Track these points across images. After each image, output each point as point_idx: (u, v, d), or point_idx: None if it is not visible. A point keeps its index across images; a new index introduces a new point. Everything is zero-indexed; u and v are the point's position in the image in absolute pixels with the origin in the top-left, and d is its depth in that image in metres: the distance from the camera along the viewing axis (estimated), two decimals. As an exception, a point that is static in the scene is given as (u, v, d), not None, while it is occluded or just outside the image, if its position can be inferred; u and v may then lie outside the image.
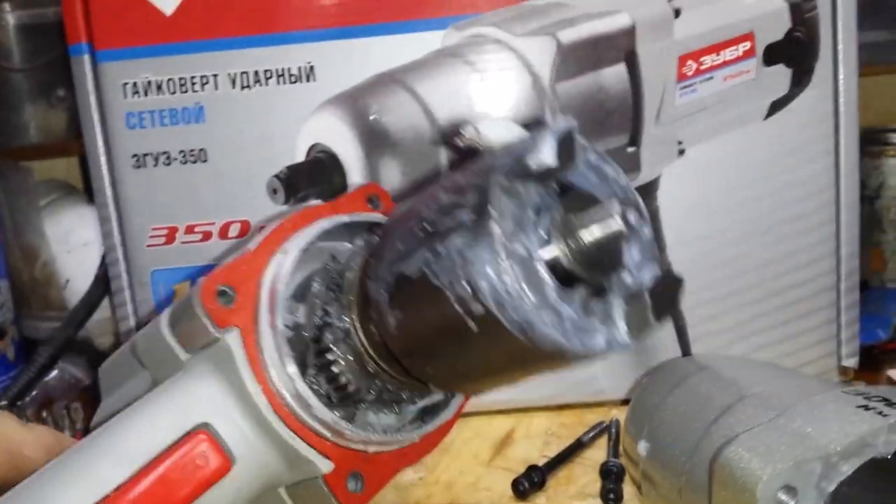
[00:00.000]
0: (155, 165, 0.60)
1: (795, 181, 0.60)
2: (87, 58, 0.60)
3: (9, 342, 0.72)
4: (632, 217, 0.28)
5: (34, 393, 0.69)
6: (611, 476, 0.51)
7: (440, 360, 0.30)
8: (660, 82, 0.58)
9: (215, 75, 0.59)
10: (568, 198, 0.28)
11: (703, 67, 0.58)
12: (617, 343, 0.27)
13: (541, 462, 0.54)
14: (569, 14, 0.58)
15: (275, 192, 0.57)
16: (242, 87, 0.59)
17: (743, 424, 0.35)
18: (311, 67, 0.59)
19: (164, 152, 0.60)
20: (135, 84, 0.59)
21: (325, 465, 0.32)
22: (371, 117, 0.57)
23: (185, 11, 0.58)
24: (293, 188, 0.57)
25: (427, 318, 0.29)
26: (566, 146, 0.27)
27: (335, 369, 0.32)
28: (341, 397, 0.33)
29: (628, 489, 0.50)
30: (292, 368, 0.31)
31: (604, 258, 0.27)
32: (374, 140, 0.58)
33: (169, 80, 0.59)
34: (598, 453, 0.56)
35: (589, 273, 0.27)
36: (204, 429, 0.31)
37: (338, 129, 0.58)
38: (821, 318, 0.62)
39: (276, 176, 0.58)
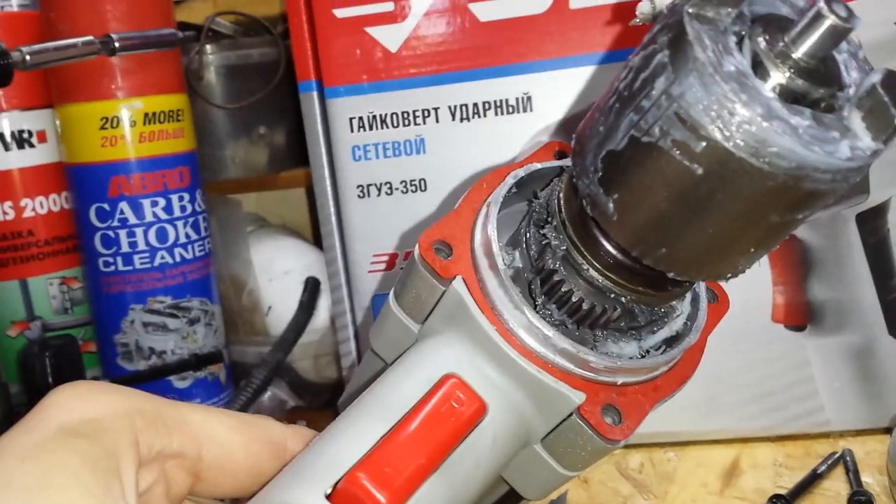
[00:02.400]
0: (378, 195, 0.62)
1: None
2: (315, 94, 0.63)
3: (222, 366, 0.76)
4: (849, 18, 0.25)
5: (249, 415, 0.72)
6: (860, 507, 0.49)
7: (673, 232, 0.27)
8: (891, 102, 0.56)
9: (436, 108, 0.61)
10: (764, 26, 0.26)
11: (938, 85, 0.56)
12: (863, 149, 0.24)
13: (779, 492, 0.52)
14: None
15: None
16: (462, 119, 0.61)
17: None
18: (529, 98, 0.60)
19: (387, 182, 0.62)
20: (360, 119, 0.62)
21: (577, 396, 0.30)
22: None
23: (408, 48, 0.60)
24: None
25: (649, 187, 0.26)
26: None
27: (564, 288, 0.31)
28: (577, 321, 0.31)
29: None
30: (522, 303, 0.30)
31: (822, 68, 0.25)
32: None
33: (392, 114, 0.61)
34: (835, 484, 0.54)
35: (812, 85, 0.25)
36: (453, 375, 0.31)
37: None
38: None
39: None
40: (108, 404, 0.28)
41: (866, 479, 0.54)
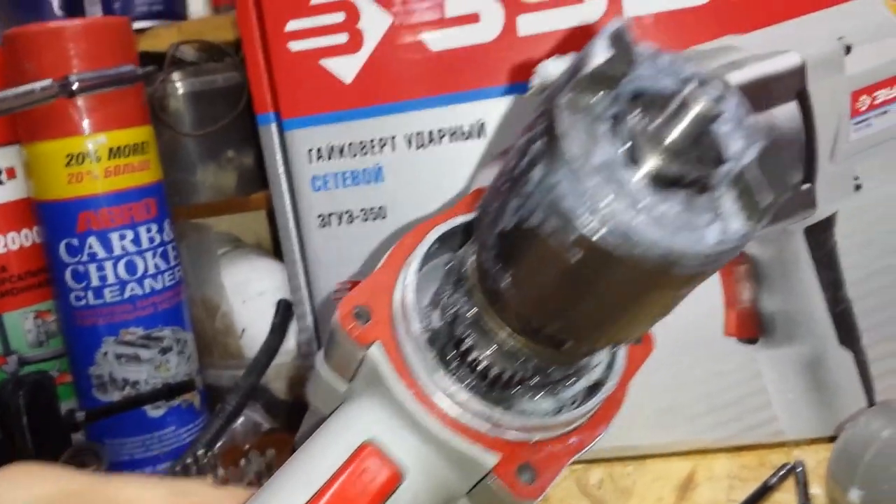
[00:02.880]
0: (339, 224, 0.64)
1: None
2: (273, 126, 0.64)
3: (195, 392, 0.77)
4: (719, 100, 0.25)
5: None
6: (807, 519, 0.51)
7: (563, 309, 0.28)
8: (833, 118, 0.58)
9: (393, 137, 0.62)
10: (642, 105, 0.26)
11: (877, 102, 0.58)
12: (732, 234, 0.25)
13: (731, 505, 0.54)
14: (736, 56, 0.58)
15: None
16: (418, 147, 0.62)
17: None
18: (482, 124, 0.61)
19: (347, 211, 0.64)
20: (319, 149, 0.63)
21: (491, 458, 0.31)
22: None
23: (362, 79, 0.62)
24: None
25: (536, 269, 0.27)
26: (621, 44, 0.26)
27: (474, 355, 0.32)
28: (490, 384, 0.32)
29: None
30: (435, 367, 0.31)
31: (694, 150, 0.25)
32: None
33: (350, 143, 0.63)
34: (785, 497, 0.56)
35: (682, 169, 0.25)
36: (369, 443, 0.31)
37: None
38: None
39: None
40: (39, 491, 0.29)
41: (815, 490, 0.55)
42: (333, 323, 0.33)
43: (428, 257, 0.34)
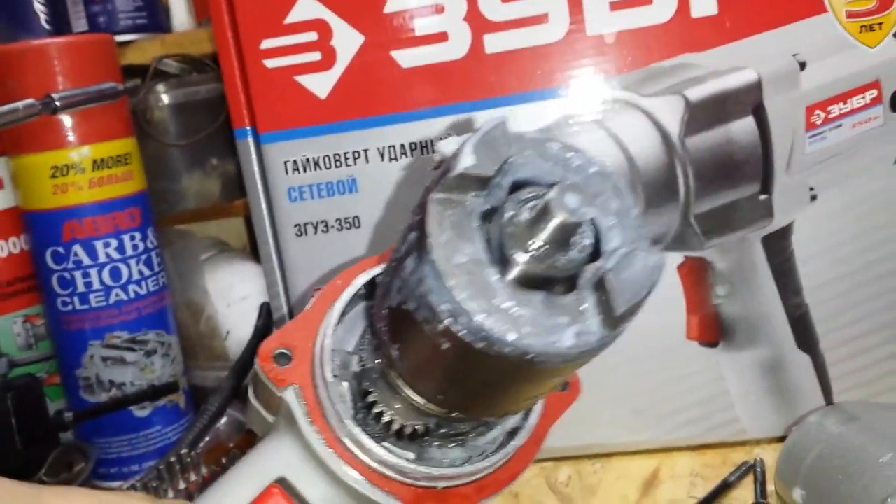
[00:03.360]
0: (315, 233, 0.66)
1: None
2: (250, 140, 0.66)
3: (180, 393, 0.80)
4: (598, 201, 0.26)
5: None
6: (760, 517, 0.54)
7: (443, 386, 0.30)
8: (789, 132, 0.60)
9: (366, 150, 0.64)
10: (513, 203, 0.27)
11: (831, 116, 0.60)
12: (586, 339, 0.25)
13: (690, 503, 0.56)
14: (695, 73, 0.60)
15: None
16: (390, 160, 0.64)
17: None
18: (452, 137, 0.63)
19: (323, 221, 0.66)
20: (294, 161, 0.65)
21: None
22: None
23: (336, 94, 0.64)
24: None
25: (415, 347, 0.28)
26: (495, 144, 0.26)
27: (380, 408, 0.33)
28: (397, 435, 0.33)
29: (778, 530, 0.52)
30: (344, 415, 0.32)
31: (559, 252, 0.26)
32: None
33: (325, 156, 0.65)
34: (744, 493, 0.58)
35: (543, 272, 0.26)
36: (279, 483, 0.33)
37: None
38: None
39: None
40: None
41: (773, 487, 0.58)
42: (255, 363, 0.34)
43: (360, 299, 0.35)
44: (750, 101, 0.60)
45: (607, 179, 0.28)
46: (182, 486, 0.67)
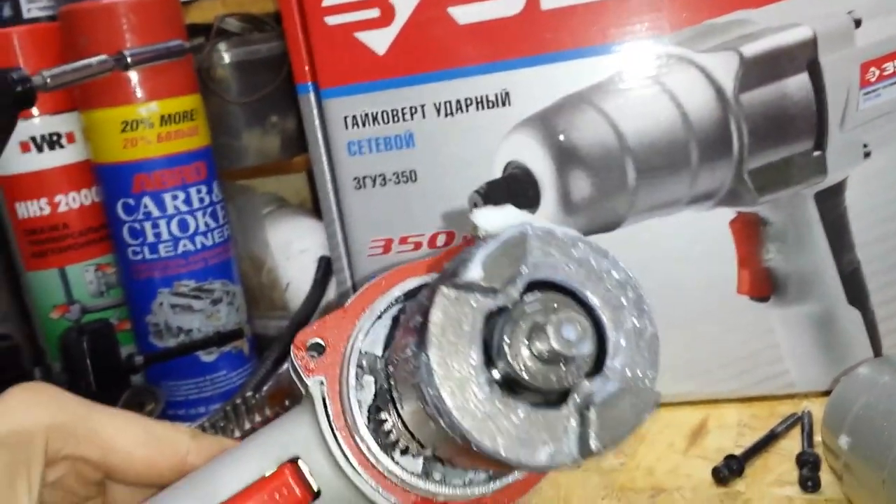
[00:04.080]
0: (373, 186, 0.68)
1: None
2: (312, 96, 0.68)
3: (244, 340, 0.83)
4: (613, 315, 0.27)
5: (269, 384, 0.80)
6: (807, 465, 0.55)
7: (430, 440, 0.31)
8: (843, 89, 0.60)
9: (423, 106, 0.66)
10: (532, 306, 0.27)
11: (885, 73, 0.60)
12: (560, 459, 0.26)
13: (737, 451, 0.58)
14: (750, 29, 0.61)
15: (475, 205, 0.64)
16: (446, 115, 0.66)
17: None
18: (507, 94, 0.65)
19: (381, 174, 0.68)
20: (354, 117, 0.67)
21: None
22: (560, 135, 0.63)
23: (394, 51, 0.65)
24: (491, 202, 0.64)
25: (410, 402, 0.30)
26: (507, 255, 0.27)
27: (387, 427, 0.33)
28: (404, 451, 0.33)
29: (825, 477, 0.53)
30: (360, 420, 0.32)
31: (553, 370, 0.26)
32: (564, 155, 0.63)
33: (383, 111, 0.67)
34: (791, 444, 0.59)
35: (536, 384, 0.26)
36: (293, 462, 0.34)
37: (531, 146, 0.64)
38: None
39: (477, 191, 0.65)
40: (33, 417, 0.35)
41: (820, 438, 0.59)
42: (291, 347, 0.35)
43: (402, 300, 0.35)
44: (804, 57, 0.60)
45: (631, 290, 0.28)
46: (248, 426, 0.71)
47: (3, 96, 0.54)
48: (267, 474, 0.34)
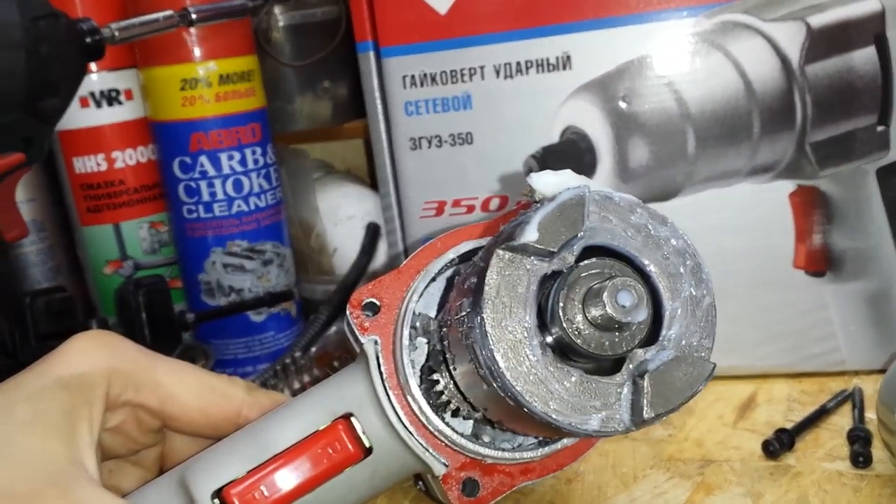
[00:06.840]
0: (428, 147, 0.68)
1: None
2: (371, 54, 0.68)
3: (293, 302, 0.84)
4: (671, 284, 0.26)
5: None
6: (858, 441, 0.54)
7: (483, 403, 0.31)
8: (911, 62, 0.59)
9: (482, 67, 0.66)
10: (590, 269, 0.27)
11: (956, 47, 0.59)
12: (611, 427, 0.26)
13: (787, 426, 0.57)
14: (818, 0, 0.60)
15: (531, 170, 0.63)
16: (505, 77, 0.66)
17: None
18: (568, 57, 0.64)
19: (437, 136, 0.68)
20: (412, 77, 0.67)
21: (439, 468, 0.34)
22: (620, 101, 0.62)
23: (456, 10, 0.65)
24: (547, 167, 0.64)
25: (463, 363, 0.30)
26: (563, 217, 0.27)
27: (439, 387, 0.34)
28: (455, 412, 0.34)
29: (877, 453, 0.53)
30: (413, 381, 0.33)
31: (607, 337, 0.26)
32: (623, 122, 0.63)
33: (441, 72, 0.67)
34: (841, 420, 0.59)
35: (590, 350, 0.26)
36: (346, 419, 0.35)
37: (589, 112, 0.64)
38: None
39: (533, 156, 0.65)
40: (95, 362, 0.36)
41: (871, 415, 0.58)
42: (347, 306, 0.36)
43: (456, 262, 0.36)
44: (872, 30, 0.59)
45: (689, 259, 0.28)
46: (297, 385, 0.71)
47: (73, 46, 0.55)
48: (321, 428, 0.35)
